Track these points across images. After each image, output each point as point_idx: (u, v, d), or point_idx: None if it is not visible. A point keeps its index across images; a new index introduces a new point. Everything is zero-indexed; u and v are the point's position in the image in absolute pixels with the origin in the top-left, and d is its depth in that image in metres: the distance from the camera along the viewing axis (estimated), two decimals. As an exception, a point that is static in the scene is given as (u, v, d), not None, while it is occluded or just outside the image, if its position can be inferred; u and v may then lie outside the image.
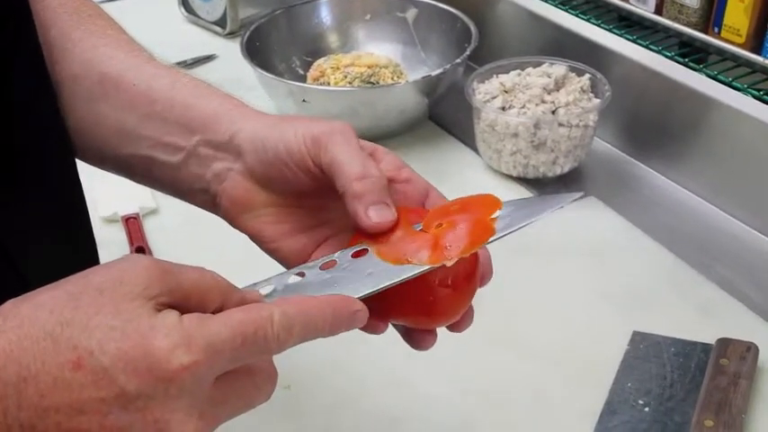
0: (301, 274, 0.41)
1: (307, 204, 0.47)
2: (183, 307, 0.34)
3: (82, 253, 0.52)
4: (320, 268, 0.41)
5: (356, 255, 0.41)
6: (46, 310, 0.33)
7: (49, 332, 0.32)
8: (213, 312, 0.35)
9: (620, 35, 0.93)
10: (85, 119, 0.50)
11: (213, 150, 0.47)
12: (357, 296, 0.38)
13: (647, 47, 0.90)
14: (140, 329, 0.32)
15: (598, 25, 0.95)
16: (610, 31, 0.94)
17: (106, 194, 0.84)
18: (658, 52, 0.89)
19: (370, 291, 0.39)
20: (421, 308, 0.42)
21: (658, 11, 0.90)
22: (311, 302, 0.37)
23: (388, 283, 0.39)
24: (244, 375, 0.35)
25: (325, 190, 0.45)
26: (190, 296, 0.35)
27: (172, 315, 0.33)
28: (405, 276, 0.39)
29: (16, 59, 0.45)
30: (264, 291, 0.39)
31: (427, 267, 0.40)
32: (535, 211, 0.41)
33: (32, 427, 0.32)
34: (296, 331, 0.35)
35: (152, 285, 0.34)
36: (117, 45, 0.51)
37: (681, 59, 0.87)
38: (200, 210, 0.51)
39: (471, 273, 0.43)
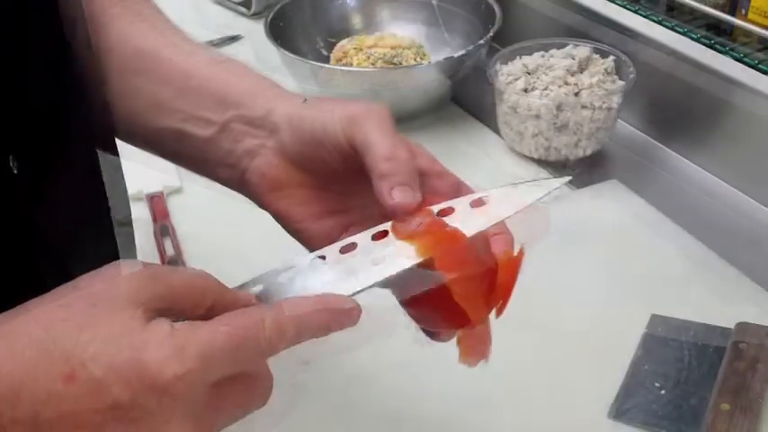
0: (291, 270, 0.40)
1: (336, 188, 0.47)
2: (174, 309, 0.34)
3: (118, 229, 0.53)
4: (309, 265, 0.40)
5: (345, 250, 0.41)
6: (39, 324, 0.33)
7: (41, 346, 0.32)
8: (206, 312, 0.35)
9: (646, 16, 0.92)
10: (119, 91, 0.50)
11: (246, 126, 0.47)
12: (350, 293, 0.38)
13: (672, 28, 0.89)
14: (133, 342, 0.32)
15: (623, 6, 0.94)
16: (635, 12, 0.93)
17: (131, 172, 0.85)
18: (684, 34, 0.88)
19: (362, 287, 0.38)
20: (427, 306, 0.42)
21: (685, -8, 0.89)
22: (304, 303, 0.36)
23: (374, 281, 0.38)
24: (239, 381, 0.35)
25: (356, 173, 0.44)
26: (181, 298, 0.35)
27: (163, 325, 0.33)
28: (394, 272, 0.39)
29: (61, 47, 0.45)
30: (255, 290, 0.38)
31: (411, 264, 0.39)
32: (517, 203, 0.42)
33: None
34: (289, 333, 0.35)
35: (142, 290, 0.34)
36: (154, 22, 0.52)
37: (707, 41, 0.86)
38: (223, 189, 0.51)
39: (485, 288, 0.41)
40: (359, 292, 0.38)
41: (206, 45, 0.53)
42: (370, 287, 0.39)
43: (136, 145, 0.52)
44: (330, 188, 0.47)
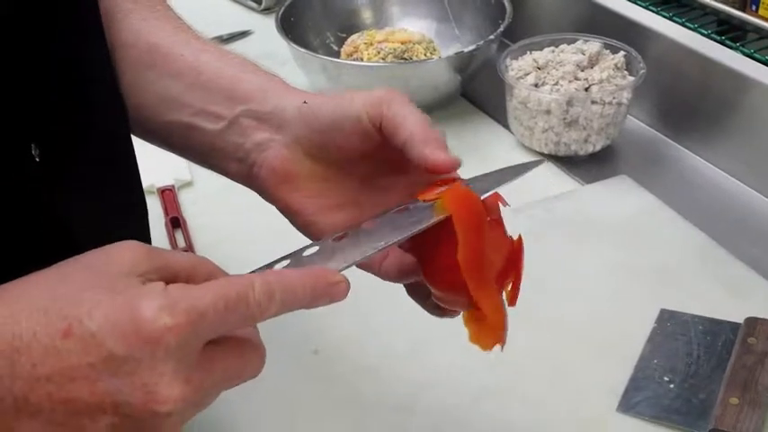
0: (286, 261, 0.41)
1: (347, 180, 0.47)
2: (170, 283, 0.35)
3: (134, 221, 0.53)
4: (304, 255, 0.41)
5: (337, 239, 0.42)
6: (38, 287, 0.34)
7: (40, 305, 0.33)
8: None
9: (657, 12, 0.92)
10: (130, 85, 0.51)
11: (256, 121, 0.48)
12: (338, 269, 0.39)
13: (683, 24, 0.89)
14: (127, 297, 0.33)
15: (634, 2, 0.94)
16: (646, 8, 0.93)
17: (143, 166, 0.86)
18: (695, 30, 0.88)
19: (347, 264, 0.39)
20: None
21: (696, -12, 0.89)
22: (291, 273, 0.37)
23: (360, 258, 0.40)
24: (231, 346, 0.36)
25: (370, 158, 0.46)
26: (177, 275, 0.36)
27: (157, 284, 0.34)
28: (376, 249, 0.40)
29: (78, 26, 0.46)
30: None
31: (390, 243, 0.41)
32: (502, 179, 0.44)
33: (25, 398, 0.33)
34: (277, 298, 0.36)
35: (140, 264, 0.35)
36: (166, 19, 0.53)
37: (717, 37, 0.86)
38: (233, 183, 0.51)
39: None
40: (345, 267, 0.39)
41: (216, 42, 0.54)
42: (356, 263, 0.40)
43: (145, 138, 0.53)
44: (340, 181, 0.47)
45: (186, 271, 0.36)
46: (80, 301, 0.33)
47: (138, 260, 0.35)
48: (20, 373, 0.33)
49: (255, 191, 0.50)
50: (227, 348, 0.36)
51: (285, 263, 0.40)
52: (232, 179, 0.51)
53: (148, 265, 0.35)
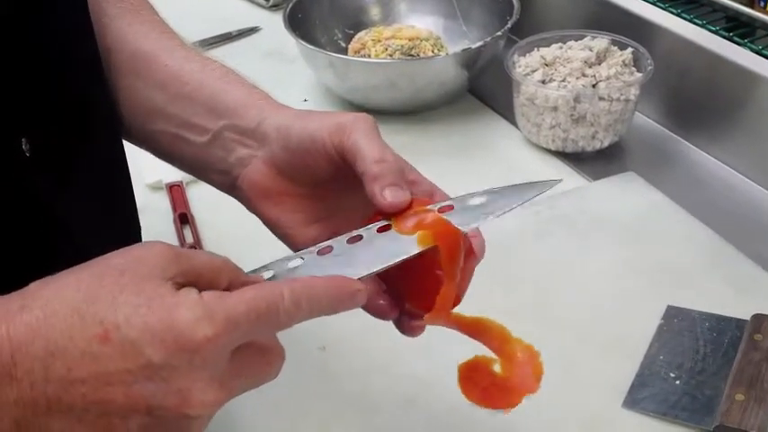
0: (300, 259, 0.42)
1: (321, 197, 0.49)
2: (195, 286, 0.36)
3: (124, 218, 0.54)
4: (317, 253, 0.43)
5: (351, 241, 0.43)
6: (71, 289, 0.34)
7: (75, 309, 0.34)
8: (222, 291, 0.37)
9: (665, 8, 0.92)
10: (116, 91, 0.52)
11: (238, 136, 0.49)
12: (357, 277, 0.40)
13: (691, 21, 0.89)
14: (165, 305, 0.34)
15: (642, -2, 0.94)
16: (654, 4, 0.93)
17: (151, 162, 0.86)
18: (703, 26, 0.88)
19: (368, 272, 0.41)
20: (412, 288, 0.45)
21: (704, -16, 0.89)
22: (316, 281, 0.38)
23: (381, 267, 0.41)
24: (256, 352, 0.37)
25: (341, 179, 0.47)
26: (201, 276, 0.37)
27: (192, 292, 0.35)
28: (398, 259, 0.41)
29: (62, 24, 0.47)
30: (266, 275, 0.41)
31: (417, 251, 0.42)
32: (513, 200, 0.44)
33: (58, 399, 0.33)
34: (303, 307, 0.37)
35: (168, 267, 0.36)
36: (151, 25, 0.54)
37: (725, 34, 0.86)
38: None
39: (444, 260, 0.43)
40: (365, 276, 0.41)
41: (199, 50, 0.55)
42: (376, 272, 0.41)
43: (136, 144, 0.54)
44: (316, 197, 0.49)
45: (210, 272, 0.37)
46: (116, 306, 0.34)
47: (167, 263, 0.36)
48: (54, 377, 0.33)
49: (238, 201, 0.51)
50: (253, 352, 0.37)
51: (298, 262, 0.42)
52: (217, 188, 0.52)
53: (177, 269, 0.36)
